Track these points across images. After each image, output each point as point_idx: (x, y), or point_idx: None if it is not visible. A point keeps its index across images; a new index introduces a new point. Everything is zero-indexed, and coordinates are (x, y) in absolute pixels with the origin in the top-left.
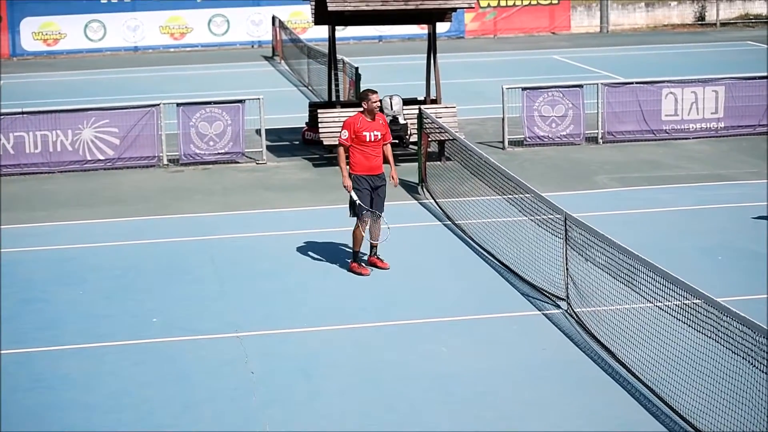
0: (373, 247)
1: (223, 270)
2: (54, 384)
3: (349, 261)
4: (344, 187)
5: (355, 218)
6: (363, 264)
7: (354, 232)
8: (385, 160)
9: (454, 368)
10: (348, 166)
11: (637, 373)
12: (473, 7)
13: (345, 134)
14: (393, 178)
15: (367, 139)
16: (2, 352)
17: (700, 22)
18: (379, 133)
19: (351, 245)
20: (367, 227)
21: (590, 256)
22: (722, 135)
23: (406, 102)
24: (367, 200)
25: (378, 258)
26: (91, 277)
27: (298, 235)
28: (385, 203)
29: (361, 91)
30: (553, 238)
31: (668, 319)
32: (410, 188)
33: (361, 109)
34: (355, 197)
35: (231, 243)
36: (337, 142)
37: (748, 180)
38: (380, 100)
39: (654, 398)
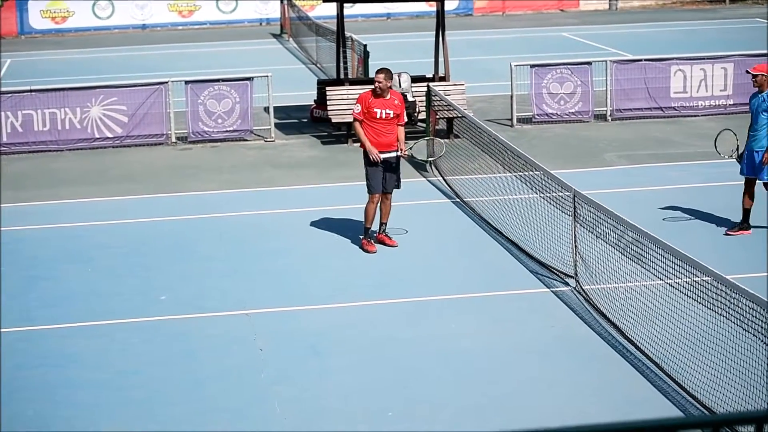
0: (382, 224)
1: (232, 248)
2: (61, 362)
3: (361, 237)
4: (373, 157)
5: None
6: (372, 241)
7: (366, 208)
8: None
9: (463, 345)
10: (360, 142)
11: (645, 350)
12: None
13: (358, 108)
14: (402, 150)
15: (378, 116)
16: (9, 329)
17: (709, 0)
18: (391, 112)
19: (362, 221)
20: (378, 204)
21: (599, 233)
22: (731, 112)
23: (415, 79)
24: (380, 177)
25: (386, 235)
26: (99, 254)
27: (307, 213)
28: (400, 181)
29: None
30: (562, 216)
31: (677, 296)
32: (418, 166)
33: (372, 88)
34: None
35: (239, 220)
36: (351, 119)
37: None
38: (388, 79)
39: (662, 375)
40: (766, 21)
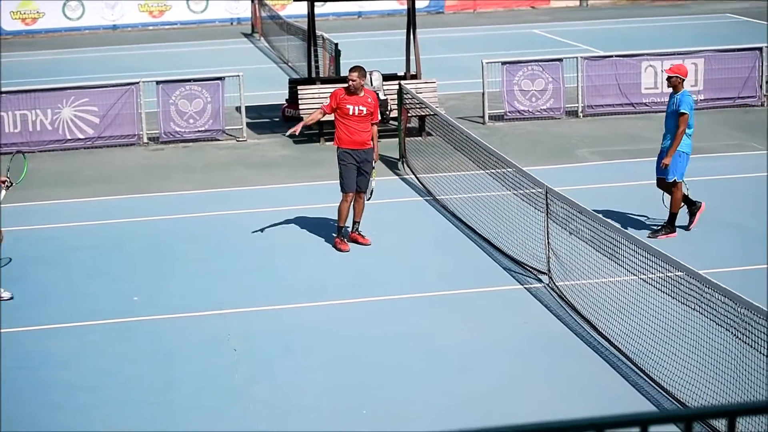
0: (355, 223)
1: (205, 248)
2: (36, 364)
3: (334, 236)
4: (291, 131)
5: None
6: (345, 240)
7: (339, 206)
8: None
9: (437, 343)
10: (335, 141)
11: (619, 345)
12: None
13: (327, 101)
14: (375, 157)
15: (351, 113)
16: None
17: None
18: (364, 109)
19: (336, 220)
20: (351, 203)
21: (572, 229)
22: (702, 107)
23: (386, 78)
24: (354, 175)
25: (359, 234)
26: (73, 256)
27: (279, 212)
28: (370, 180)
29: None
30: (535, 212)
31: (651, 292)
32: (391, 164)
33: (345, 85)
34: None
35: (212, 220)
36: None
37: (729, 152)
38: (361, 77)
39: (637, 371)
40: (737, 16)
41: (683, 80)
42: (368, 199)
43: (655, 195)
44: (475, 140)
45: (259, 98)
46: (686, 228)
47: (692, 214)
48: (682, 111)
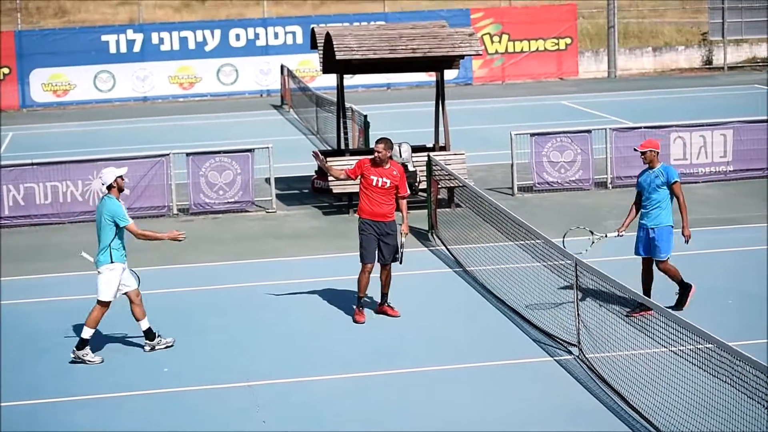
0: (383, 295)
1: (233, 319)
2: None
3: (354, 307)
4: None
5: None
6: (362, 310)
7: (359, 277)
8: (398, 209)
9: (466, 416)
10: (358, 210)
11: (651, 419)
12: (481, 54)
13: (352, 166)
14: (403, 229)
15: (374, 183)
16: (16, 403)
17: (707, 66)
18: (388, 181)
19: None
20: (370, 274)
21: (602, 301)
22: (731, 178)
23: (415, 149)
24: (374, 246)
25: (389, 306)
26: (101, 327)
27: (309, 283)
28: (398, 253)
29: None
30: (564, 284)
31: (682, 364)
32: (421, 235)
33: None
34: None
35: (241, 292)
36: (352, 188)
37: (758, 223)
38: (387, 149)
39: None
40: (765, 87)
41: (658, 153)
42: (400, 263)
43: (684, 266)
44: (503, 211)
45: (288, 170)
46: (628, 314)
47: (642, 308)
48: (675, 180)
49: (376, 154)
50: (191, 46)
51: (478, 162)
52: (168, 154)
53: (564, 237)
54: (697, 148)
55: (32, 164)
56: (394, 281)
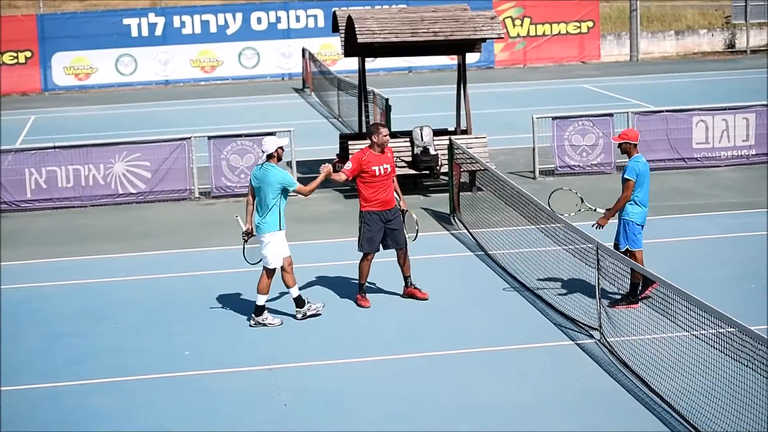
0: (407, 278)
1: (254, 303)
2: (85, 419)
3: (357, 294)
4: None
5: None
6: (365, 296)
7: (360, 264)
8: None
9: (488, 399)
10: (361, 201)
11: (672, 402)
12: (503, 38)
13: (348, 165)
14: (403, 205)
15: (377, 173)
16: (34, 386)
17: (730, 50)
18: (388, 166)
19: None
20: (371, 261)
21: (623, 285)
22: (754, 162)
23: (437, 133)
24: (380, 237)
25: (415, 288)
26: (123, 310)
27: (330, 267)
28: (405, 233)
29: (370, 124)
30: (586, 268)
31: (703, 348)
32: (442, 218)
33: (369, 144)
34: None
35: None
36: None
37: None
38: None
39: (690, 428)
40: None
41: (635, 145)
42: (414, 239)
43: (706, 250)
44: (525, 195)
45: (310, 153)
46: (611, 305)
47: (644, 287)
48: (625, 177)
49: (384, 137)
50: (213, 29)
51: (500, 146)
52: (189, 138)
53: (549, 197)
54: (719, 131)
55: (54, 147)
56: (416, 265)
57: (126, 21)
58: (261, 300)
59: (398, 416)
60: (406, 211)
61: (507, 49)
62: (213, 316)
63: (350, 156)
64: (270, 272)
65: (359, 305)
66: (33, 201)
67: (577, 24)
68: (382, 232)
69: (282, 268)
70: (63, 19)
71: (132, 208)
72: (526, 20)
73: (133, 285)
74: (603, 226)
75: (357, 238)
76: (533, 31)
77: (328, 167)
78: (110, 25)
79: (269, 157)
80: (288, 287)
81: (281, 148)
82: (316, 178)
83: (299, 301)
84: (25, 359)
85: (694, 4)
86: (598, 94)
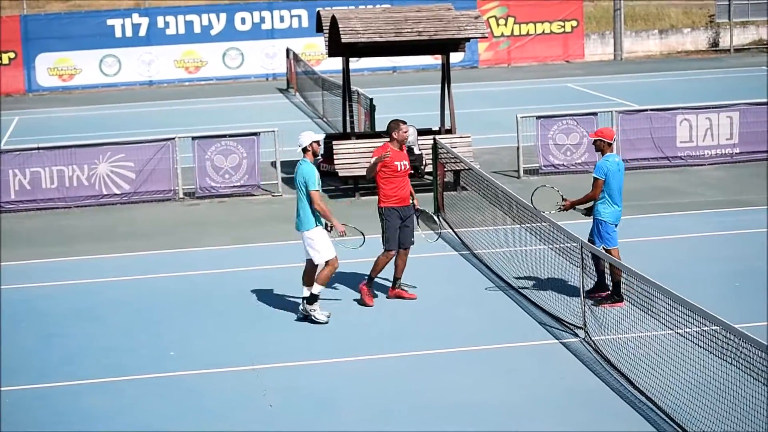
0: (396, 279)
1: (240, 302)
2: (73, 419)
3: (361, 284)
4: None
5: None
6: (371, 292)
7: (378, 259)
8: None
9: (474, 398)
10: (380, 198)
11: (656, 401)
12: (487, 37)
13: (381, 159)
14: (417, 203)
15: (398, 169)
16: (25, 387)
17: (713, 48)
18: (407, 163)
19: (368, 272)
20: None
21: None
22: (737, 161)
23: (421, 132)
24: (396, 233)
25: (403, 289)
26: (109, 311)
27: None
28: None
29: (391, 121)
30: (570, 267)
31: (688, 346)
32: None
33: (388, 140)
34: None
35: (247, 275)
36: (360, 171)
37: (765, 205)
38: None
39: (675, 426)
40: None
41: (609, 144)
42: (436, 240)
43: (690, 248)
44: (509, 194)
45: (294, 153)
46: (595, 298)
47: (612, 299)
48: (594, 176)
49: (404, 134)
50: (197, 30)
51: (484, 145)
52: (174, 138)
53: (532, 194)
54: (703, 130)
55: (38, 148)
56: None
57: (110, 22)
58: (316, 289)
59: (387, 416)
60: (423, 210)
61: (491, 49)
62: (198, 317)
63: (373, 152)
64: (330, 264)
65: (362, 300)
66: (17, 202)
67: (561, 23)
68: (399, 228)
69: (327, 262)
70: (47, 20)
71: (116, 209)
72: (510, 20)
73: (122, 285)
74: (567, 210)
75: (380, 235)
76: (517, 30)
77: (343, 229)
78: (94, 26)
79: (304, 151)
80: (316, 282)
81: (316, 142)
82: (331, 217)
83: (312, 298)
84: (18, 360)
85: (677, 3)
86: (582, 93)
